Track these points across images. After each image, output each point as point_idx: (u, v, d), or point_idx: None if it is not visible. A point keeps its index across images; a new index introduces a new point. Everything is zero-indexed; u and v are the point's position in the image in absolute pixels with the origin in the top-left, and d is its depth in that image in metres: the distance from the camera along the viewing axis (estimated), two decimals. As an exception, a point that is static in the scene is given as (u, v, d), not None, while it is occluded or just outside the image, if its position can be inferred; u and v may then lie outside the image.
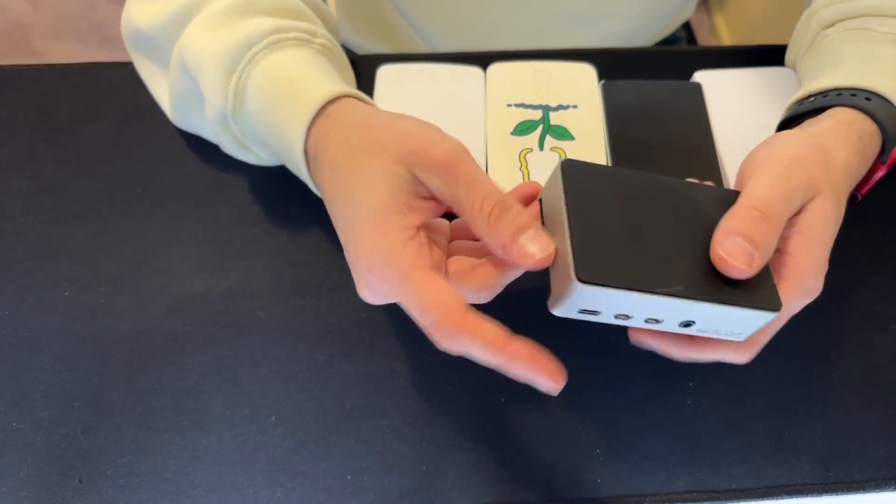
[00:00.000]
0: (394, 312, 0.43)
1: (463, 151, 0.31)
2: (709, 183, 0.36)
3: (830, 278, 0.45)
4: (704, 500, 0.38)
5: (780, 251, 0.33)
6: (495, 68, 0.48)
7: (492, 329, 0.29)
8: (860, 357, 0.42)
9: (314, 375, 0.41)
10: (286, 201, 0.46)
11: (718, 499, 0.38)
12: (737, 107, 0.47)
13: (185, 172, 0.47)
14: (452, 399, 0.41)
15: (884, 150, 0.38)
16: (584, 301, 0.31)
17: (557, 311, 0.32)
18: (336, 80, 0.37)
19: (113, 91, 0.50)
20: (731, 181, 0.44)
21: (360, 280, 0.32)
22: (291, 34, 0.40)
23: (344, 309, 0.43)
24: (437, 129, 0.33)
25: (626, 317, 0.32)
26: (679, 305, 0.31)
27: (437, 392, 0.41)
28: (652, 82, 0.48)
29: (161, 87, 0.46)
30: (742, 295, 0.31)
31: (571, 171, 0.32)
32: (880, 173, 0.39)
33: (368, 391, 0.41)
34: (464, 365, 0.41)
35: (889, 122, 0.37)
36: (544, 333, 0.43)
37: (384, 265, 0.30)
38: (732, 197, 0.33)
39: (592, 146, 0.44)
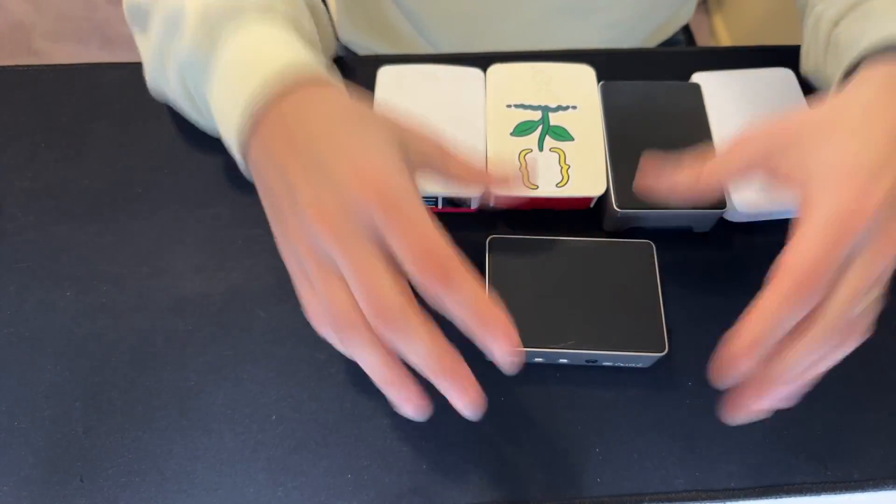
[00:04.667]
0: (394, 312, 0.43)
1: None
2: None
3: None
4: (703, 499, 0.39)
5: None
6: (495, 69, 0.48)
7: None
8: (860, 357, 0.42)
9: (315, 375, 0.41)
10: (287, 201, 0.46)
11: (717, 498, 0.39)
12: (735, 108, 0.47)
13: (186, 172, 0.47)
14: (452, 398, 0.41)
15: None
16: None
17: (489, 357, 0.38)
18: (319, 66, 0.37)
19: (114, 91, 0.50)
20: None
21: (351, 166, 0.31)
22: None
23: (344, 309, 0.43)
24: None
25: (542, 360, 0.40)
26: (575, 353, 0.39)
27: (438, 392, 0.41)
28: (651, 83, 0.48)
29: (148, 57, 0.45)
30: (629, 341, 0.39)
31: (496, 246, 0.41)
32: None
33: (369, 390, 0.41)
34: (464, 364, 0.42)
35: None
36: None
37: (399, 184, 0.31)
38: (640, 249, 0.41)
39: (592, 147, 0.45)
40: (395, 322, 0.29)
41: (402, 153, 0.32)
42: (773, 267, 0.31)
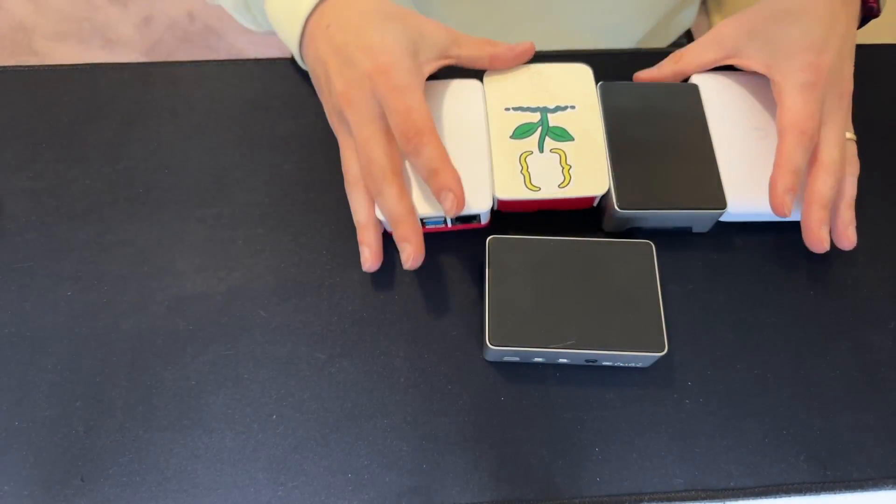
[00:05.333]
0: (394, 312, 0.43)
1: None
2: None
3: (829, 277, 0.45)
4: (703, 498, 0.39)
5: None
6: (491, 73, 0.48)
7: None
8: (859, 356, 0.43)
9: (315, 374, 0.41)
10: (288, 201, 0.47)
11: (717, 497, 0.39)
12: (734, 108, 0.47)
13: (186, 173, 0.48)
14: (452, 398, 0.41)
15: None
16: (500, 355, 0.40)
17: (488, 357, 0.41)
18: None
19: (115, 92, 0.51)
20: (728, 182, 0.44)
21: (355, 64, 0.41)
22: None
23: (345, 308, 0.43)
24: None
25: (542, 360, 0.41)
26: (575, 353, 0.39)
27: (437, 392, 0.41)
28: (649, 84, 0.48)
29: None
30: (629, 341, 0.39)
31: (496, 246, 0.41)
32: None
33: (369, 390, 0.41)
34: (463, 364, 0.42)
35: None
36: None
37: (405, 75, 0.40)
38: (640, 249, 0.41)
39: (592, 145, 0.45)
40: (374, 179, 0.39)
41: (413, 47, 0.41)
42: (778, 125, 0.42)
